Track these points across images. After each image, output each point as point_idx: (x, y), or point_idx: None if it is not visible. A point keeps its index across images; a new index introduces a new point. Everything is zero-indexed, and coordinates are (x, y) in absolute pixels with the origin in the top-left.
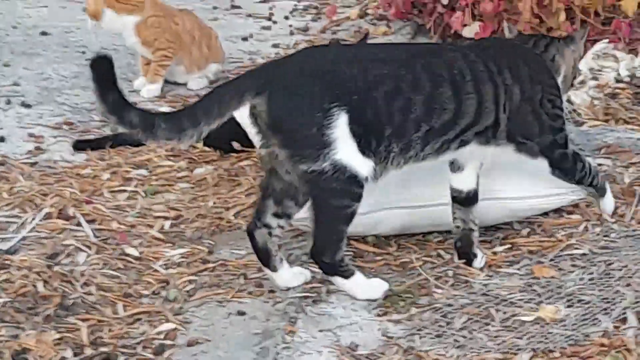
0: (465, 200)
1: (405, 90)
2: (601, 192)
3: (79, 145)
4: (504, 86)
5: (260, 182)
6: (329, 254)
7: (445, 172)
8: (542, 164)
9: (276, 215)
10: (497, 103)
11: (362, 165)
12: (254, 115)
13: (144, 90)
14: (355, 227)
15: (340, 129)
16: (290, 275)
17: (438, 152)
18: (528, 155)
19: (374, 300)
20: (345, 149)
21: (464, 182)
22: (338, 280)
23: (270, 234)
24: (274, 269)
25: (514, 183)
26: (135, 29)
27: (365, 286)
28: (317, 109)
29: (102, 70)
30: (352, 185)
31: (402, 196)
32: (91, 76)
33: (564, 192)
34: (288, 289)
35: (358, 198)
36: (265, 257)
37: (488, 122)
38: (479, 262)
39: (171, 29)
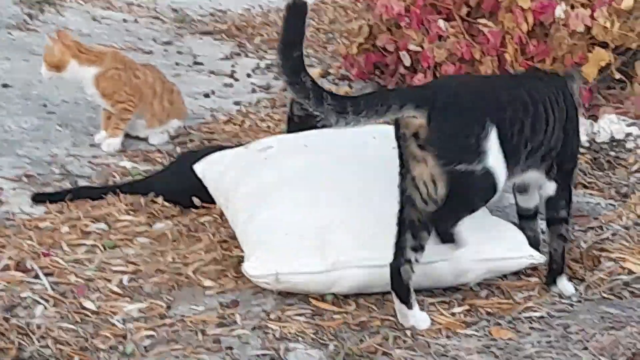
0: (532, 215)
1: (521, 113)
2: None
3: (38, 198)
4: (563, 108)
5: (397, 217)
6: (444, 226)
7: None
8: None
9: (414, 249)
10: (561, 125)
11: (502, 174)
12: (404, 129)
13: (104, 144)
14: (315, 285)
15: (492, 141)
16: (424, 317)
17: (523, 172)
18: (551, 180)
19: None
20: (494, 158)
21: (530, 200)
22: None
23: (411, 269)
24: (411, 307)
25: (473, 246)
26: (94, 81)
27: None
28: (479, 122)
29: (297, 18)
30: (490, 190)
31: (361, 255)
32: (284, 21)
33: (522, 256)
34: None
35: (487, 201)
36: (406, 294)
37: (554, 143)
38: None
39: (132, 82)
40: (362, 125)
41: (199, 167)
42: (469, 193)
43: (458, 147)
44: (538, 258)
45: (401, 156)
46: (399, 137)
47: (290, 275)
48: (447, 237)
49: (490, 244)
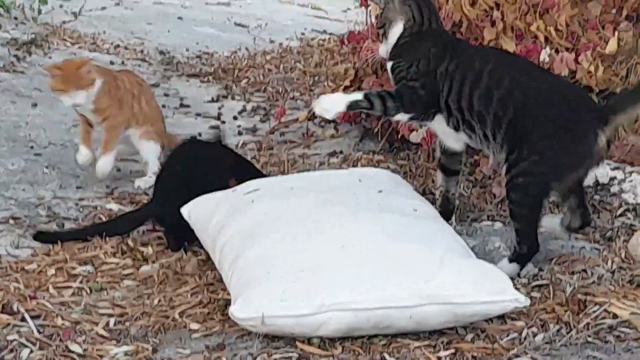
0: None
1: None
2: None
3: (41, 237)
4: None
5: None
6: None
7: (389, 277)
8: None
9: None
10: None
11: None
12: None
13: (99, 163)
14: (301, 327)
15: None
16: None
17: None
18: None
19: None
20: None
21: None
22: None
23: None
24: None
25: (458, 288)
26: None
27: None
28: None
29: None
30: None
31: (347, 298)
32: None
33: (507, 299)
34: None
35: None
36: None
37: None
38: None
39: (117, 92)
40: None
41: (186, 209)
42: None
43: None
44: (523, 301)
45: None
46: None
47: (276, 318)
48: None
49: (475, 287)
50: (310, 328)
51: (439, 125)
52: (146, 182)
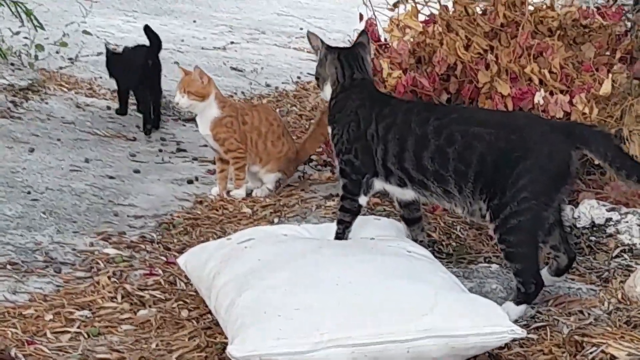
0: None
1: None
2: None
3: None
4: None
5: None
6: None
7: (385, 312)
8: None
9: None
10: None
11: None
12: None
13: (232, 193)
14: None
15: None
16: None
17: None
18: None
19: None
20: None
21: None
22: None
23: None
24: None
25: (454, 321)
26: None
27: None
28: None
29: None
30: None
31: (344, 334)
32: None
33: (503, 331)
34: None
35: None
36: None
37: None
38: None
39: (240, 129)
40: None
41: (182, 259)
42: None
43: None
44: (519, 332)
45: None
46: None
47: (274, 356)
48: None
49: (471, 319)
50: None
51: (383, 184)
52: (262, 191)
